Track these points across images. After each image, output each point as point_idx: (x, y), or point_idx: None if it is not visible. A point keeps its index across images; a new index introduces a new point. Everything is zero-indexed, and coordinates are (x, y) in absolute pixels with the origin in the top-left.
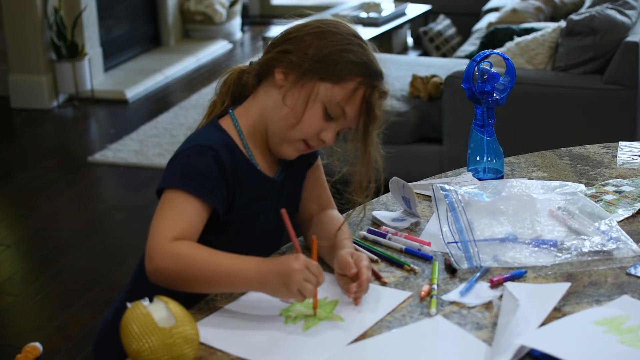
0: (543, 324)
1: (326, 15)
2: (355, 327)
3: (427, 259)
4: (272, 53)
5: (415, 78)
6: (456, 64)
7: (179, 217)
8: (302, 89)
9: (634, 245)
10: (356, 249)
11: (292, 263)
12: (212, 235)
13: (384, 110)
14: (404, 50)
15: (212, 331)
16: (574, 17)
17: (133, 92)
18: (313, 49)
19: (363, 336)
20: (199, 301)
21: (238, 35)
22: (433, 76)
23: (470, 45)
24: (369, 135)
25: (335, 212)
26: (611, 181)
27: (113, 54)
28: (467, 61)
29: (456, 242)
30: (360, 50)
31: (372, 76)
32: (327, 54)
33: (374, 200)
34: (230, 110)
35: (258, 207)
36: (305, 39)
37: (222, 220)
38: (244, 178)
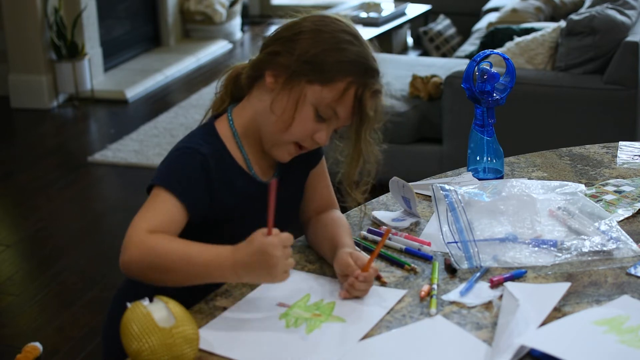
0: (543, 324)
1: (321, 12)
2: (360, 325)
3: (427, 259)
4: (262, 55)
5: (415, 78)
6: (456, 64)
7: (157, 212)
8: (291, 92)
9: (634, 245)
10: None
11: (265, 238)
12: (208, 235)
13: (380, 109)
14: (404, 50)
15: (213, 337)
16: (574, 17)
17: (133, 92)
18: (300, 49)
19: (364, 336)
20: (199, 301)
21: (238, 35)
22: (433, 76)
23: (470, 45)
24: (359, 136)
25: (337, 213)
26: (611, 181)
27: (113, 54)
28: (467, 61)
29: (456, 242)
30: (351, 48)
31: (364, 74)
32: (314, 55)
33: (374, 200)
34: (229, 109)
35: (251, 210)
36: (293, 39)
37: (212, 223)
38: (234, 182)
